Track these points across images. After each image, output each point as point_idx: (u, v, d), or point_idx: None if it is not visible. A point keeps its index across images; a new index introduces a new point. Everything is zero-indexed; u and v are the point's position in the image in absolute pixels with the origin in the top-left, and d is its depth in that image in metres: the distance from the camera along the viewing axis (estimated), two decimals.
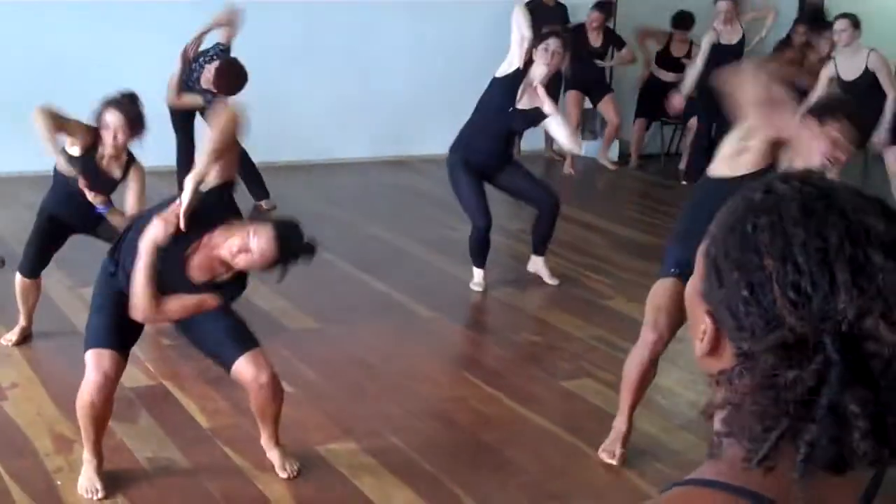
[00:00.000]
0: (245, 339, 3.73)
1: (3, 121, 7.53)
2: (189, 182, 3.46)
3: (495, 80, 6.05)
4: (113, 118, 4.65)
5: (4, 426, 4.30)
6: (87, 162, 4.71)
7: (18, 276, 5.18)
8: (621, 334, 5.28)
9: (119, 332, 3.70)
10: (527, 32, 5.95)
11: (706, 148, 9.36)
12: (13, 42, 8.16)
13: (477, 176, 6.12)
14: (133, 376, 4.82)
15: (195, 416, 4.35)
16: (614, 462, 4.18)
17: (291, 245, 3.46)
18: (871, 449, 1.00)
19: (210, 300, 3.54)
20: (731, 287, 1.06)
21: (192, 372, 4.78)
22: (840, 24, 8.01)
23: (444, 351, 5.41)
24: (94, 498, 3.73)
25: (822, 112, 3.70)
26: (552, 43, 5.87)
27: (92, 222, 4.94)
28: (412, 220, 7.94)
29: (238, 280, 3.60)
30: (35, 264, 5.14)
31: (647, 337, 4.15)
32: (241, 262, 3.44)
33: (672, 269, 4.09)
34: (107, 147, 4.70)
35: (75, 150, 4.73)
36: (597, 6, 9.61)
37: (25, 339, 5.23)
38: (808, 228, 1.02)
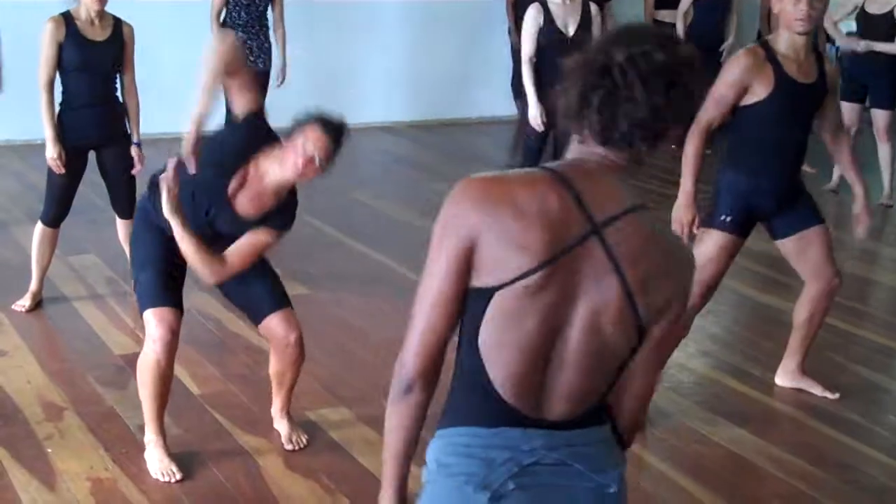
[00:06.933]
0: (281, 297, 3.74)
1: None
2: (191, 120, 3.34)
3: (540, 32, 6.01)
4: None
5: None
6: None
7: (39, 228, 5.18)
8: None
9: (171, 283, 3.64)
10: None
11: None
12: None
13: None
14: (121, 343, 4.83)
15: (185, 383, 4.35)
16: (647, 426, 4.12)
17: (335, 126, 3.43)
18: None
19: (263, 236, 3.51)
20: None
21: (181, 339, 4.76)
22: None
23: None
24: (172, 480, 3.66)
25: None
26: None
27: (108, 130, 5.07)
28: (397, 185, 7.93)
29: (287, 209, 3.57)
30: (58, 210, 5.16)
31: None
32: (310, 172, 3.40)
33: (724, 217, 4.11)
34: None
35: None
36: None
37: (38, 304, 5.23)
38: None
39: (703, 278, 4.13)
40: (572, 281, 1.73)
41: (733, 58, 4.09)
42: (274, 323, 3.72)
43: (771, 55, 3.99)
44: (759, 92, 3.97)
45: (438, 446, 1.85)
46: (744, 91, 3.98)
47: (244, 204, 3.50)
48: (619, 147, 1.78)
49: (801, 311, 4.41)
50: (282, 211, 3.56)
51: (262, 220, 3.52)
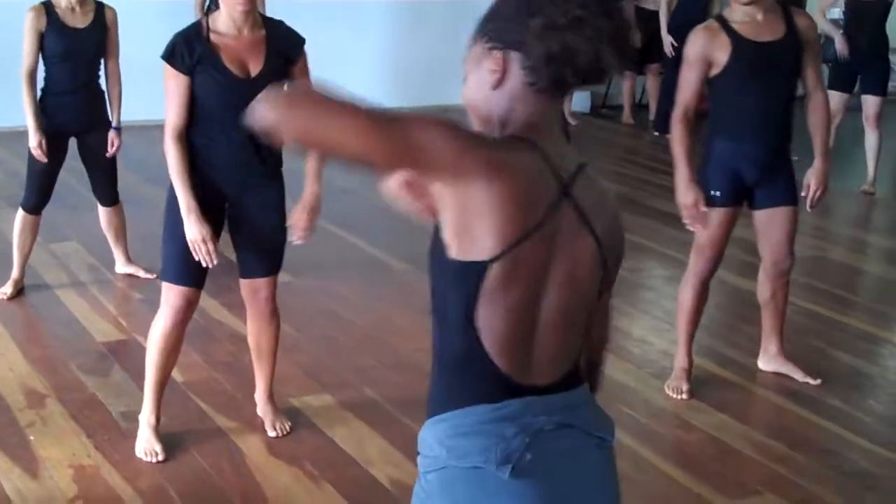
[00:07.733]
0: (276, 264, 3.79)
1: None
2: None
3: None
4: None
5: None
6: None
7: (20, 215, 5.16)
8: None
9: (195, 258, 3.57)
10: None
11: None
12: None
13: None
14: (104, 330, 4.82)
15: None
16: (683, 397, 4.29)
17: None
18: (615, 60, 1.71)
19: (301, 67, 3.60)
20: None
21: None
22: None
23: (417, 303, 5.37)
24: (154, 460, 3.68)
25: None
26: None
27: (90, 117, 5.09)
28: None
29: (280, 35, 3.60)
30: (39, 197, 5.15)
31: (697, 263, 4.26)
32: None
33: (714, 192, 4.14)
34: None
35: None
36: None
37: (20, 292, 5.21)
38: None
39: (707, 255, 4.24)
40: (550, 244, 1.74)
41: (688, 38, 4.15)
42: (259, 285, 3.77)
43: (725, 24, 4.07)
44: (721, 60, 4.05)
45: (441, 430, 1.78)
46: (707, 66, 4.06)
47: (253, 64, 3.53)
48: (561, 95, 1.80)
49: (763, 290, 4.47)
50: (279, 37, 3.59)
51: (278, 58, 3.56)
